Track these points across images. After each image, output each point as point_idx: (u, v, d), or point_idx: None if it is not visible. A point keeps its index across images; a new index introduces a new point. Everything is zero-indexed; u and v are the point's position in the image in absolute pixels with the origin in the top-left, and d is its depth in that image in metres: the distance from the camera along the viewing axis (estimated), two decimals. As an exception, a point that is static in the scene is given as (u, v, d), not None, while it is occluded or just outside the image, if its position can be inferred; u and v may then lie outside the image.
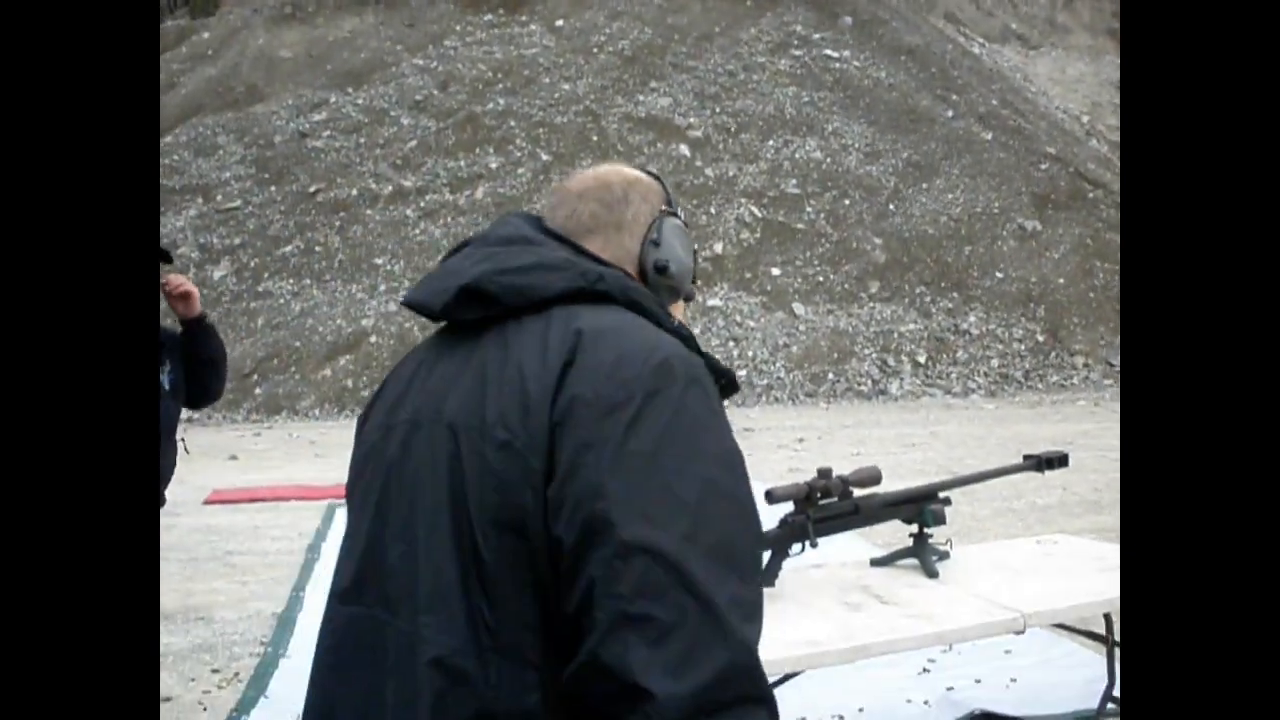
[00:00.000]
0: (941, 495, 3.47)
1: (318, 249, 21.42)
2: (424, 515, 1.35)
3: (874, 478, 3.32)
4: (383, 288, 20.56)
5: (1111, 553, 3.74)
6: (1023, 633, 3.01)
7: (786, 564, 3.23)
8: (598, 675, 1.13)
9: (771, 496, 3.17)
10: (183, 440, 3.17)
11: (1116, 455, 11.77)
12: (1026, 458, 3.67)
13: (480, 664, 1.22)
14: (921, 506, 3.42)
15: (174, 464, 3.23)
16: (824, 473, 3.28)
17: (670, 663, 1.10)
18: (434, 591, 1.28)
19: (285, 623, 5.79)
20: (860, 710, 4.34)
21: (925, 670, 4.85)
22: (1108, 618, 3.69)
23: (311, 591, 6.48)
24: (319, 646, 1.46)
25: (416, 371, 1.60)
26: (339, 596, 1.48)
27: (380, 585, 1.39)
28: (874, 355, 20.23)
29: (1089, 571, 3.42)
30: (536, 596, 1.22)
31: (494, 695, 1.21)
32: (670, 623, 1.12)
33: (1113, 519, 8.42)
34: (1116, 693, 3.83)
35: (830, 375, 19.60)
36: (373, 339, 19.47)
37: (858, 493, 3.33)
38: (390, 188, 22.74)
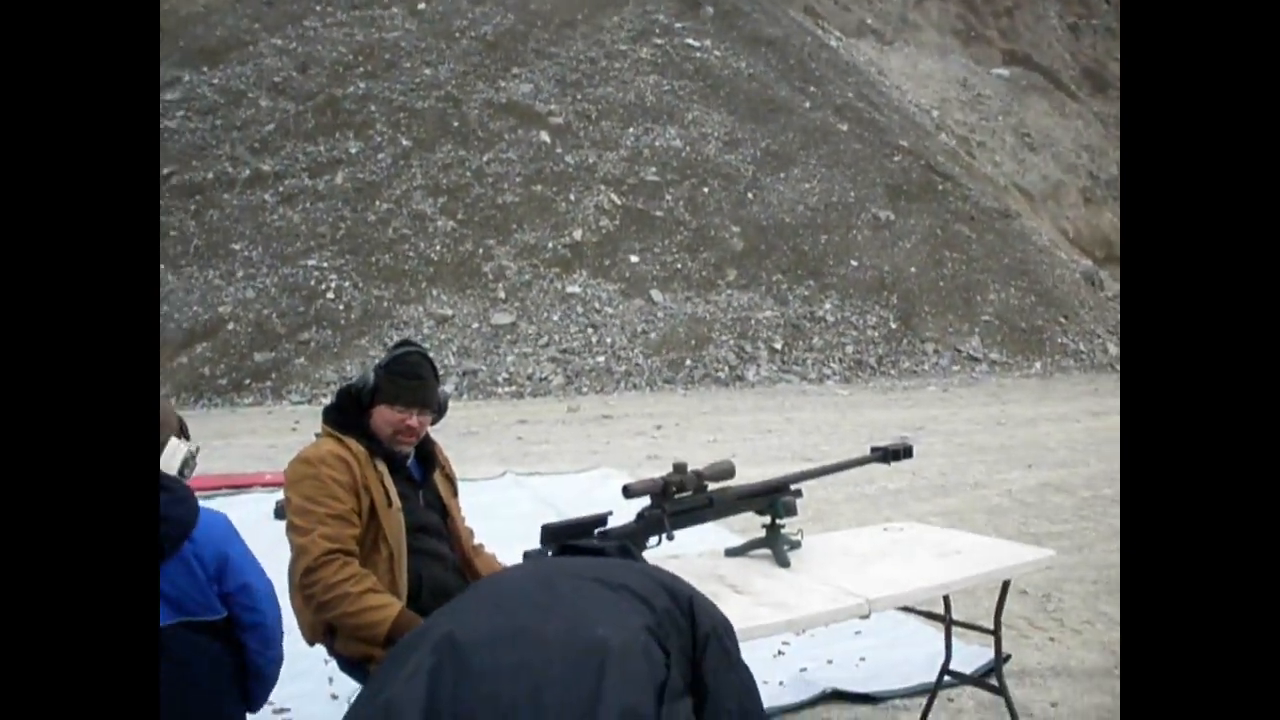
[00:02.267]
0: (793, 487, 3.60)
1: (172, 233, 20.81)
2: None
3: (728, 471, 3.44)
4: (240, 274, 20.09)
5: (952, 538, 3.94)
6: (868, 617, 3.16)
7: (645, 556, 3.32)
8: None
9: (629, 491, 3.26)
10: None
11: (963, 440, 12.24)
12: (874, 450, 3.82)
13: None
14: (774, 498, 3.54)
15: None
16: (679, 467, 3.38)
17: None
18: None
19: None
20: (717, 693, 4.47)
21: (780, 653, 5.03)
22: (946, 599, 3.90)
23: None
24: None
25: None
26: None
27: None
28: (731, 342, 20.54)
29: (930, 556, 3.60)
30: None
31: None
32: None
33: (957, 501, 8.78)
34: (952, 666, 4.06)
35: (688, 362, 19.85)
36: (230, 326, 19.04)
37: (712, 486, 3.44)
38: (248, 171, 22.21)
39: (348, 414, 3.28)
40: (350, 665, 3.17)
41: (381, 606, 2.95)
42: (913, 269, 23.29)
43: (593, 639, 1.75)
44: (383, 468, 3.21)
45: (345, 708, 4.24)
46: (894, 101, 30.59)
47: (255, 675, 2.91)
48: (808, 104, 27.02)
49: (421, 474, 3.40)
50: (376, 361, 3.37)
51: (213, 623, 2.74)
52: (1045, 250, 26.77)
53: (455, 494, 3.55)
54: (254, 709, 3.01)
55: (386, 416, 3.23)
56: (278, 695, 4.54)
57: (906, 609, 3.81)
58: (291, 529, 3.06)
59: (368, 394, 3.24)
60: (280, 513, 8.19)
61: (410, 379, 3.25)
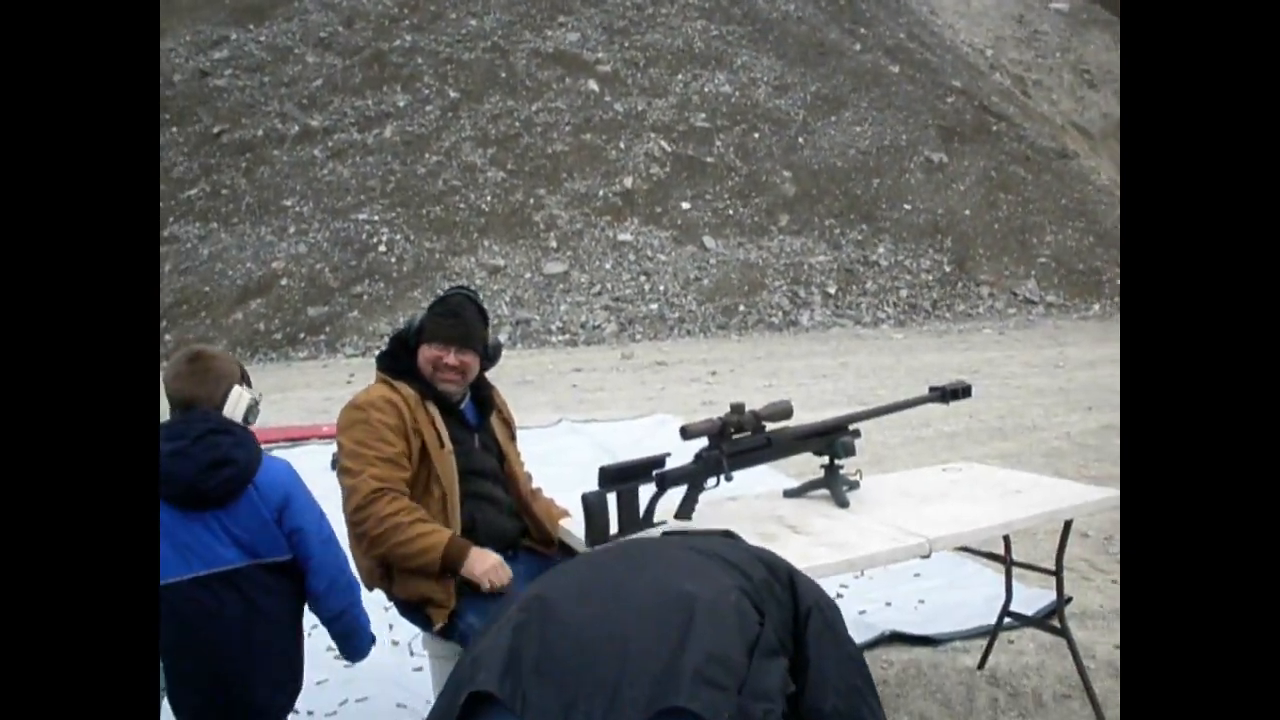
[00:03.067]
0: (851, 428, 3.57)
1: (224, 191, 20.98)
2: None
3: (785, 412, 3.41)
4: (292, 229, 20.23)
5: (1012, 478, 3.90)
6: (928, 557, 3.13)
7: (702, 497, 3.32)
8: None
9: (686, 433, 3.25)
10: None
11: (1019, 383, 12.12)
12: (932, 389, 3.77)
13: None
14: (832, 439, 3.51)
15: None
16: (737, 408, 3.35)
17: None
18: None
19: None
20: (775, 635, 4.48)
21: (838, 595, 5.02)
22: (1006, 540, 3.86)
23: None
24: None
25: None
26: None
27: None
28: (784, 287, 20.43)
29: (991, 497, 3.55)
30: None
31: None
32: None
33: (1015, 445, 8.70)
34: (1013, 608, 4.03)
35: (741, 308, 19.78)
36: (284, 281, 19.20)
37: (770, 427, 3.41)
38: (297, 127, 22.29)
39: (399, 358, 3.32)
40: (408, 609, 3.20)
41: (433, 532, 3.00)
42: (967, 211, 22.99)
43: (681, 592, 1.74)
44: (434, 410, 3.23)
45: (406, 653, 4.31)
46: (946, 41, 30.08)
47: (330, 622, 2.98)
48: (858, 46, 26.64)
49: (478, 418, 3.41)
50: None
51: (281, 563, 2.81)
52: (1104, 190, 26.28)
53: (513, 438, 3.56)
54: (353, 659, 3.11)
55: (426, 354, 3.27)
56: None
57: (966, 550, 3.77)
58: (343, 473, 3.09)
59: (413, 335, 3.30)
60: (336, 464, 8.30)
61: (449, 317, 3.29)
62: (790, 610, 1.87)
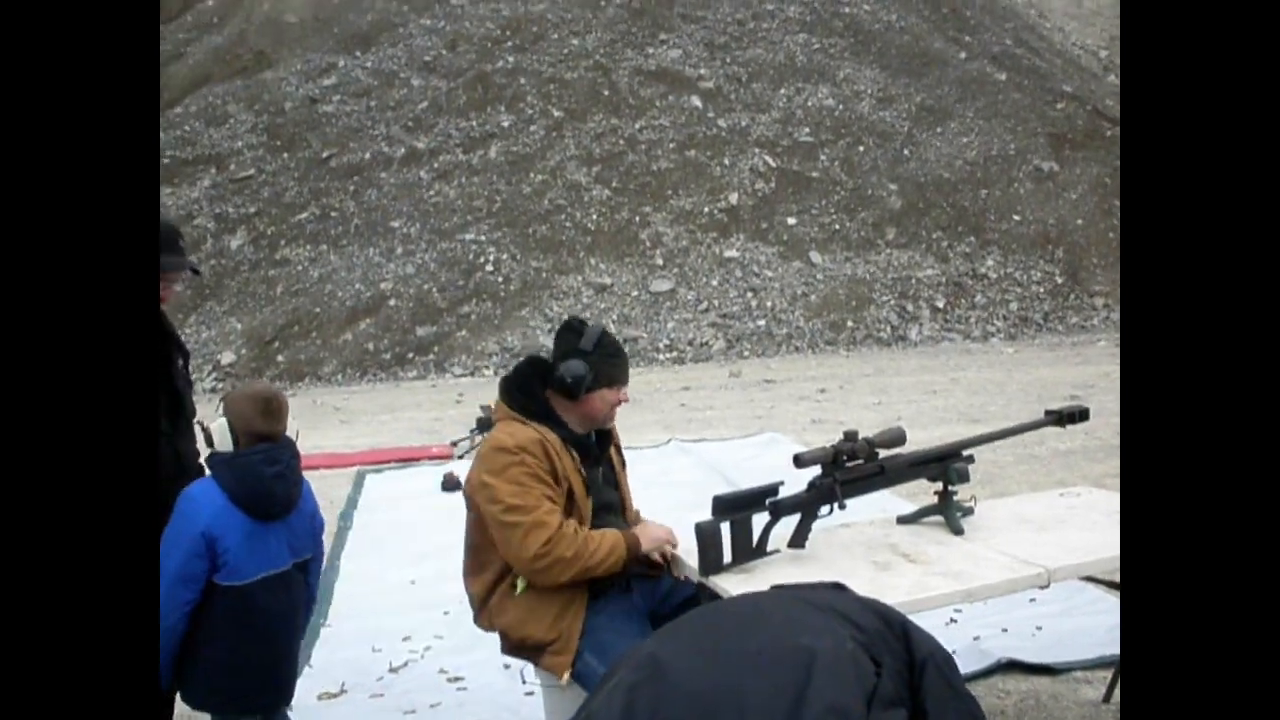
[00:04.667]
0: (965, 453, 3.53)
1: (333, 214, 21.47)
2: None
3: (899, 439, 3.38)
4: (399, 250, 20.61)
5: (1133, 503, 3.82)
6: (1047, 586, 3.08)
7: (816, 525, 3.30)
8: None
9: (799, 461, 3.24)
10: (200, 423, 3.25)
11: (1137, 397, 11.79)
12: (1048, 413, 3.70)
13: None
14: (946, 465, 3.47)
15: (197, 451, 3.33)
16: (850, 435, 3.33)
17: None
18: None
19: (323, 592, 5.87)
20: (889, 662, 4.43)
21: (953, 620, 4.93)
22: (1130, 567, 3.77)
23: (347, 560, 6.58)
24: None
25: None
26: None
27: None
28: (892, 302, 20.23)
29: (1110, 523, 3.47)
30: None
31: None
32: None
33: (1135, 462, 8.46)
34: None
35: (849, 323, 19.63)
36: (391, 302, 19.56)
37: (883, 454, 3.39)
38: (403, 150, 22.72)
39: (534, 399, 3.29)
40: (513, 648, 3.26)
41: (604, 535, 3.12)
42: (1079, 220, 22.49)
43: (797, 645, 1.72)
44: (575, 455, 3.24)
45: (518, 679, 4.35)
46: (1056, 45, 29.52)
47: (310, 601, 3.42)
48: (963, 54, 26.28)
49: (599, 450, 3.44)
50: (562, 348, 3.32)
51: (306, 560, 3.29)
52: (1222, 196, 25.54)
53: (624, 466, 3.58)
54: (302, 635, 3.46)
55: (608, 399, 3.30)
56: (452, 664, 4.69)
57: (1086, 578, 3.69)
58: (509, 513, 3.06)
59: (586, 383, 3.23)
60: (448, 485, 8.44)
61: (620, 356, 3.35)
62: (905, 661, 1.84)
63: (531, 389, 3.29)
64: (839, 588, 2.30)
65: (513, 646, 3.23)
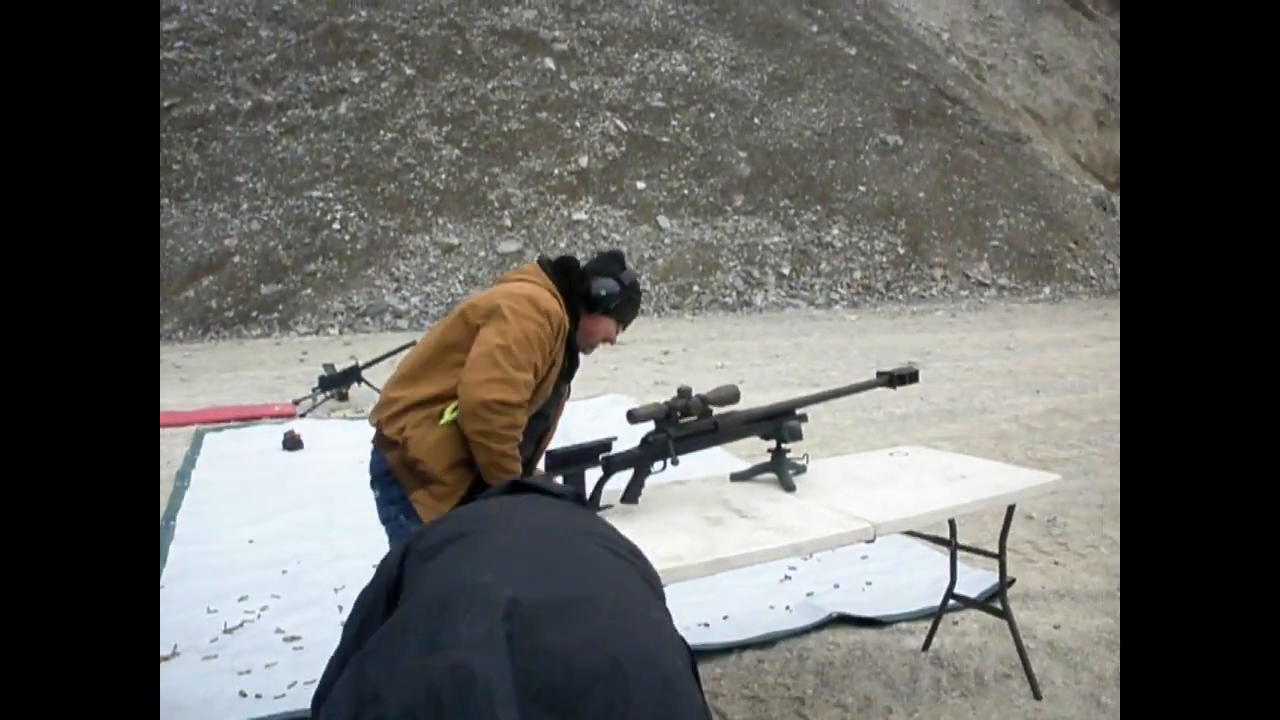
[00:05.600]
0: (798, 412, 3.60)
1: (175, 167, 20.67)
2: None
3: (733, 396, 3.43)
4: (245, 206, 19.99)
5: (958, 463, 3.95)
6: (873, 541, 3.17)
7: (649, 481, 3.33)
8: None
9: (633, 417, 3.26)
10: None
11: (970, 365, 12.23)
12: (880, 374, 3.80)
13: None
14: (779, 423, 3.54)
15: None
16: (684, 392, 3.37)
17: None
18: None
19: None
20: (725, 618, 4.52)
21: (787, 577, 5.06)
22: (951, 523, 3.92)
23: (182, 520, 6.38)
24: None
25: None
26: None
27: None
28: (739, 268, 20.48)
29: (936, 482, 3.60)
30: None
31: None
32: None
33: (965, 427, 8.79)
34: (957, 590, 4.09)
35: (696, 288, 19.80)
36: (236, 259, 18.98)
37: (717, 411, 3.43)
38: (249, 103, 21.98)
39: (574, 289, 3.37)
40: (387, 479, 3.25)
41: (516, 462, 3.14)
42: (921, 194, 23.12)
43: (649, 654, 1.59)
44: (564, 347, 3.33)
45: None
46: (903, 24, 30.15)
47: None
48: (815, 27, 26.66)
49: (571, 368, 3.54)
50: (601, 269, 3.46)
51: None
52: (1056, 175, 26.52)
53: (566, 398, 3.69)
54: None
55: (607, 329, 3.44)
56: (288, 623, 4.62)
57: (912, 534, 3.82)
58: (503, 352, 3.08)
59: (608, 304, 3.38)
60: (289, 444, 8.28)
61: (638, 304, 3.52)
62: None
63: (572, 278, 3.38)
64: (579, 500, 2.28)
65: (401, 462, 3.17)
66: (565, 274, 3.36)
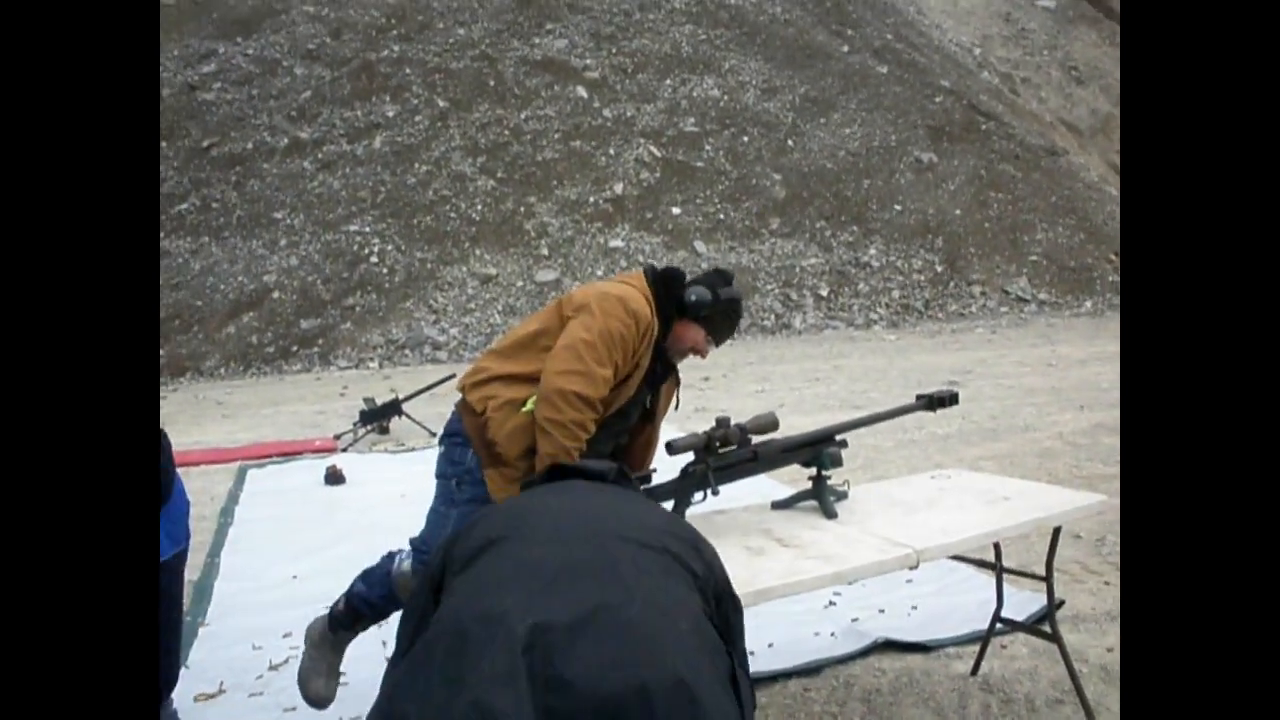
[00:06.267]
0: (838, 438, 3.58)
1: (214, 205, 20.94)
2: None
3: (771, 424, 3.42)
4: (283, 242, 20.19)
5: (1000, 485, 3.90)
6: (916, 567, 3.14)
7: (690, 512, 3.33)
8: None
9: (672, 448, 3.26)
10: None
11: (1012, 383, 12.13)
12: (919, 398, 3.78)
13: None
14: (819, 450, 3.52)
15: None
16: (722, 421, 3.37)
17: None
18: None
19: (202, 590, 5.73)
20: (770, 646, 4.49)
21: (831, 604, 5.02)
22: (996, 546, 3.87)
23: (227, 557, 6.43)
24: None
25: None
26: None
27: None
28: (776, 290, 20.44)
29: (979, 504, 3.56)
30: None
31: None
32: None
33: (1008, 445, 8.70)
34: (1004, 614, 4.03)
35: (734, 312, 19.76)
36: (275, 294, 19.17)
37: (756, 439, 3.43)
38: (286, 140, 22.25)
39: (669, 299, 3.42)
40: (456, 440, 3.37)
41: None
42: (957, 211, 23.01)
43: (675, 675, 1.59)
44: (649, 354, 3.36)
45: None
46: (934, 41, 30.11)
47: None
48: (846, 48, 26.67)
49: (660, 380, 3.56)
50: (704, 280, 3.52)
51: (186, 549, 3.25)
52: (1094, 186, 26.31)
53: (664, 411, 3.69)
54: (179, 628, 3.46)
55: (696, 340, 3.46)
56: (333, 659, 4.62)
57: (957, 557, 3.78)
58: (587, 347, 3.16)
59: (698, 310, 3.41)
60: (331, 478, 8.33)
61: (734, 322, 3.55)
62: (713, 584, 1.94)
63: (671, 288, 3.43)
64: (623, 476, 2.28)
65: (480, 437, 3.29)
66: (665, 281, 3.44)
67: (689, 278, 3.52)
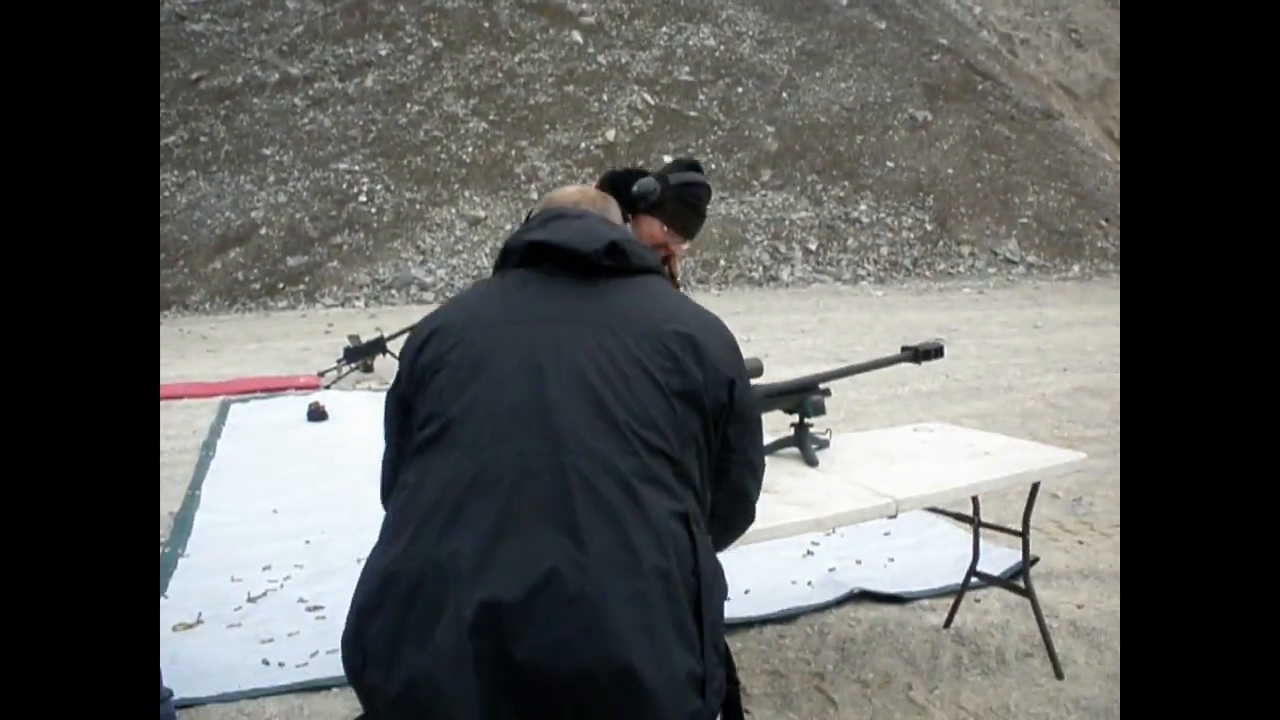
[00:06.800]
0: (822, 386, 3.58)
1: (202, 139, 20.74)
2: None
3: (755, 370, 3.40)
4: (272, 178, 20.04)
5: (982, 439, 3.92)
6: (895, 517, 3.15)
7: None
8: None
9: (657, 391, 3.24)
10: None
11: (998, 343, 12.15)
12: (904, 349, 3.78)
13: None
14: (802, 398, 3.52)
15: None
16: (707, 366, 3.35)
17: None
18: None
19: (182, 522, 5.74)
20: (746, 592, 4.52)
21: (809, 553, 5.05)
22: (975, 500, 3.89)
23: (207, 489, 6.43)
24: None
25: (508, 294, 2.04)
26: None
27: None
28: (765, 242, 20.40)
29: (960, 458, 3.57)
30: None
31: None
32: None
33: (991, 404, 8.74)
34: (980, 568, 4.07)
35: (722, 262, 19.75)
36: (263, 230, 19.06)
37: (740, 385, 3.42)
38: (276, 75, 22.01)
39: (623, 198, 3.08)
40: None
41: None
42: (950, 170, 22.93)
43: (623, 662, 1.59)
44: None
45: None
46: (934, -3, 29.88)
47: None
48: (844, 1, 26.44)
49: None
50: (661, 170, 3.24)
51: None
52: (1088, 151, 26.23)
53: None
54: None
55: (653, 232, 3.17)
56: (311, 593, 4.65)
57: (935, 510, 3.80)
58: None
59: (645, 201, 3.13)
60: (314, 415, 8.32)
61: (697, 216, 3.24)
62: (726, 411, 2.01)
63: (621, 189, 3.08)
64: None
65: None
66: (613, 181, 3.16)
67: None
